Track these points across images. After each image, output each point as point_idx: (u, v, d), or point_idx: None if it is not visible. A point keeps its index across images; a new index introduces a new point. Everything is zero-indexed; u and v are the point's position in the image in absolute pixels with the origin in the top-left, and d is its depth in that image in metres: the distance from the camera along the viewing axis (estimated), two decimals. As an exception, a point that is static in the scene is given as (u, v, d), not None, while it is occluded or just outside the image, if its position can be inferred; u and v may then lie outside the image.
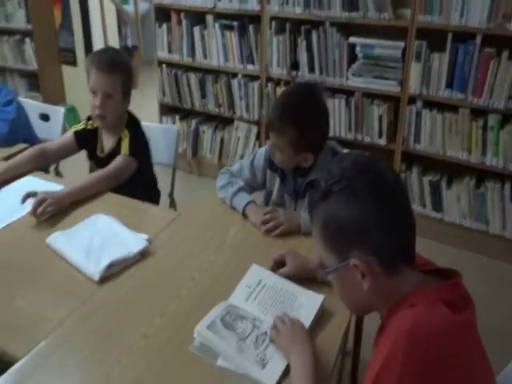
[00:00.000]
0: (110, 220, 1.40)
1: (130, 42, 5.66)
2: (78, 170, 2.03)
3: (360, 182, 0.77)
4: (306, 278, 1.16)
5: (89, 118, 1.82)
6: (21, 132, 2.01)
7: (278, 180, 1.53)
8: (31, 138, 2.11)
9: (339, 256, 0.80)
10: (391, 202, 0.78)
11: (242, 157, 3.14)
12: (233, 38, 2.89)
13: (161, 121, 3.35)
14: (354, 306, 0.89)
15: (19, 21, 3.94)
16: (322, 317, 1.09)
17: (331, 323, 1.08)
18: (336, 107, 2.65)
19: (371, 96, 2.57)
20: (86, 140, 1.80)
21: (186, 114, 3.31)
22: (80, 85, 4.04)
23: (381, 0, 2.34)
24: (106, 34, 4.42)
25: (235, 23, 2.86)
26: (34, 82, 4.14)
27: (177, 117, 3.31)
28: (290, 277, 1.17)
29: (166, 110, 3.35)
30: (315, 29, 2.58)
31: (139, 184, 1.72)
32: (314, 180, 1.43)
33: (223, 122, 3.21)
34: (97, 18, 4.07)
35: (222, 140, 3.18)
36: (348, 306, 0.89)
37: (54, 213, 1.45)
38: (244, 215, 1.45)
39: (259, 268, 1.20)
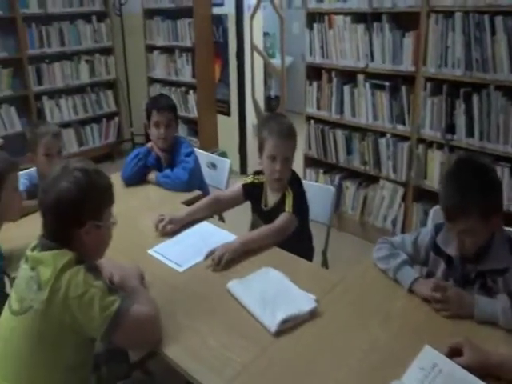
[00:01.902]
0: (279, 275, 1.51)
1: (273, 93, 6.10)
2: (237, 216, 2.24)
3: None
4: (485, 374, 1.11)
5: (256, 173, 2.01)
6: (196, 180, 2.30)
7: (443, 264, 1.49)
8: (202, 185, 2.40)
9: None
10: None
11: (385, 217, 3.12)
12: (383, 97, 2.95)
13: (304, 172, 3.52)
14: None
15: (186, 75, 4.56)
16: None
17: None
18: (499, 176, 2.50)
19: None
20: (252, 193, 1.99)
21: (329, 168, 3.43)
22: (231, 133, 4.49)
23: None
24: (253, 86, 4.84)
25: (387, 83, 2.92)
26: (193, 127, 4.71)
27: (320, 170, 3.45)
28: (467, 368, 1.13)
29: (311, 162, 3.52)
30: (476, 92, 2.52)
31: (297, 239, 1.83)
32: (490, 270, 1.38)
33: (368, 179, 3.24)
34: (248, 73, 4.50)
35: (365, 197, 3.21)
36: None
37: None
38: (410, 291, 1.43)
39: (433, 351, 1.18)
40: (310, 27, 3.25)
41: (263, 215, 1.95)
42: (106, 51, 4.87)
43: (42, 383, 1.19)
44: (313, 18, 3.23)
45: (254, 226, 2.05)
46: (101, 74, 4.86)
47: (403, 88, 2.85)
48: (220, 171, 2.59)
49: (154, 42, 4.73)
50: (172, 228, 1.84)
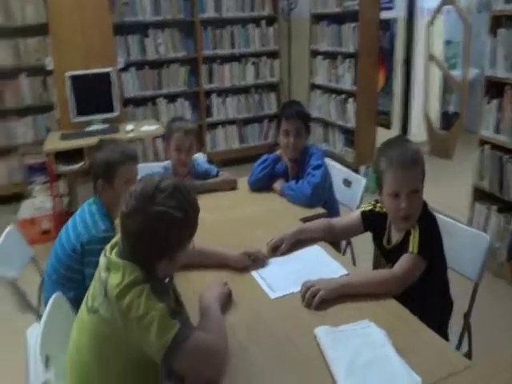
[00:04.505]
0: (383, 337, 1.20)
1: (451, 109, 5.38)
2: (363, 247, 1.93)
3: None
4: None
5: (377, 201, 1.67)
6: (321, 196, 2.09)
7: None
8: (330, 202, 2.17)
9: None
10: None
11: None
12: None
13: (473, 207, 2.93)
14: None
15: (347, 82, 4.32)
16: None
17: None
18: None
19: None
20: (373, 223, 1.67)
21: (506, 206, 2.75)
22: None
23: None
24: (427, 100, 4.34)
25: None
26: (349, 138, 4.44)
27: (493, 207, 2.81)
28: None
29: (481, 195, 2.90)
30: None
31: (424, 287, 1.46)
32: None
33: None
34: (418, 83, 4.03)
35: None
36: None
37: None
38: None
39: None
40: (494, 33, 2.68)
41: (385, 253, 1.62)
42: (272, 55, 4.96)
43: None
44: (498, 22, 2.65)
45: (375, 261, 1.74)
46: (265, 76, 4.98)
47: None
48: (355, 190, 2.30)
49: (318, 47, 4.62)
50: (282, 249, 1.68)
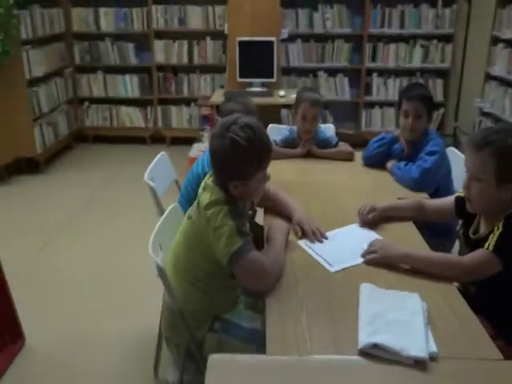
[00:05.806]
0: (420, 308, 1.25)
1: None
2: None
3: None
4: None
5: None
6: (429, 183, 2.05)
7: None
8: (445, 192, 2.09)
9: None
10: None
11: None
12: None
13: None
14: None
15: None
16: None
17: None
18: None
19: None
20: (465, 209, 1.60)
21: None
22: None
23: None
24: None
25: None
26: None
27: None
28: None
29: None
30: None
31: (506, 289, 1.42)
32: None
33: None
34: None
35: None
36: None
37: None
38: None
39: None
40: None
41: (469, 243, 1.58)
42: (445, 38, 4.64)
43: (187, 279, 1.50)
44: None
45: (460, 249, 1.72)
46: (434, 60, 4.71)
47: None
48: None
49: (501, 33, 4.13)
50: (373, 216, 1.76)
